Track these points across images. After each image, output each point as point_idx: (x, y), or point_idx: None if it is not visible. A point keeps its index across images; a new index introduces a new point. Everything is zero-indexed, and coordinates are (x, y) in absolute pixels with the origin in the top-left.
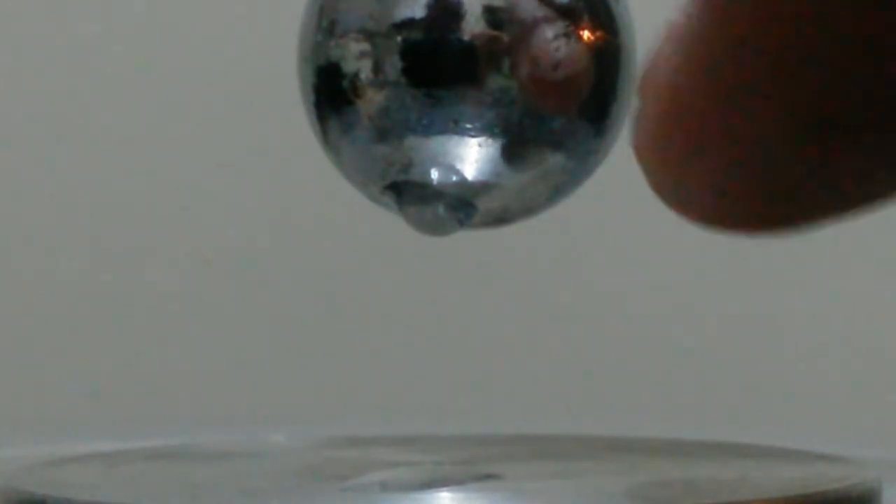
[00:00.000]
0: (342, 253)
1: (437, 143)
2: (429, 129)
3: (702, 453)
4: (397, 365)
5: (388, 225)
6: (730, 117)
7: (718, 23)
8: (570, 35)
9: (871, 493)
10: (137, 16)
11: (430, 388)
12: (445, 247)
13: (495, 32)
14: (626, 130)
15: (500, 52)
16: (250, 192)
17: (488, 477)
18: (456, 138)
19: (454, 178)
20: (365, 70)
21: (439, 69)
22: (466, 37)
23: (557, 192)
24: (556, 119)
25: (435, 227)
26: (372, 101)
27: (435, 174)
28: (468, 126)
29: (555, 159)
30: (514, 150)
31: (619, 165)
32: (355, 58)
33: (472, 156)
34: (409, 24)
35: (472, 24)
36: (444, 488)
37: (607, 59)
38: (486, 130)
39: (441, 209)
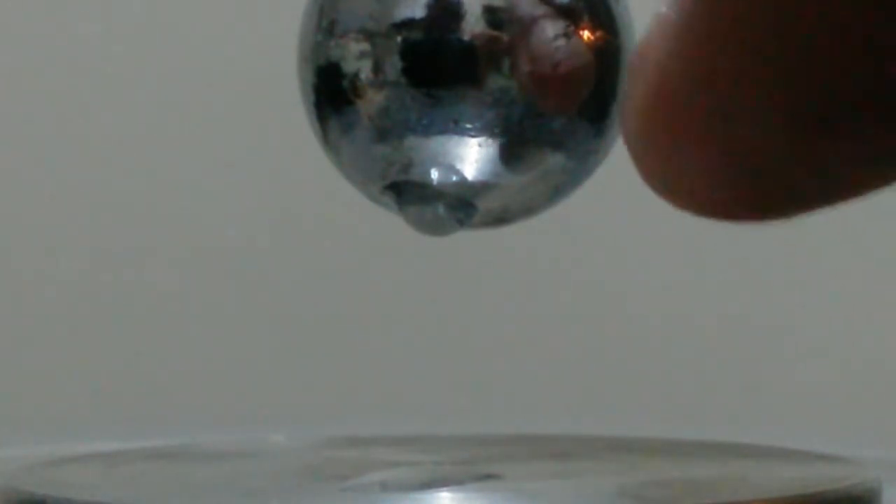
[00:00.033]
0: (342, 253)
1: (437, 143)
2: (429, 129)
3: (702, 453)
4: (397, 365)
5: (388, 225)
6: (717, 105)
7: (707, 12)
8: (571, 35)
9: (871, 493)
10: (137, 16)
11: (430, 388)
12: (445, 247)
13: (495, 32)
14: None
15: (500, 51)
16: (250, 192)
17: (488, 477)
18: (456, 138)
19: (454, 178)
20: (365, 70)
21: (439, 69)
22: (466, 37)
23: (557, 192)
24: (556, 119)
25: (435, 227)
26: (372, 101)
27: (435, 174)
28: (468, 126)
29: (555, 159)
30: (514, 150)
31: (619, 165)
32: (355, 58)
33: (472, 156)
34: (409, 24)
35: (472, 24)
36: (444, 488)
37: (607, 59)
38: (486, 130)
39: (441, 209)
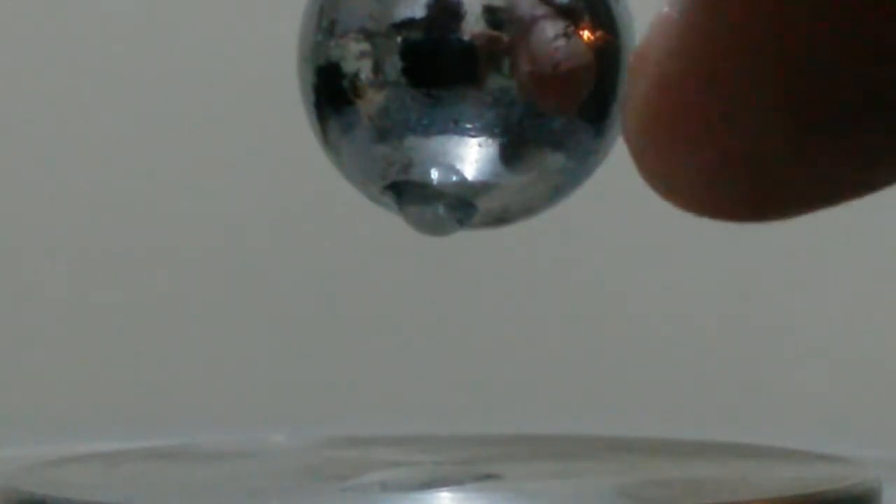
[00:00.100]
0: (342, 253)
1: (437, 143)
2: (429, 129)
3: (702, 453)
4: (397, 365)
5: (388, 225)
6: (718, 105)
7: (708, 11)
8: (571, 35)
9: (871, 493)
10: (137, 16)
11: (430, 388)
12: (445, 247)
13: (495, 32)
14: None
15: (500, 52)
16: (250, 192)
17: (488, 477)
18: (456, 138)
19: (454, 178)
20: (365, 70)
21: (439, 69)
22: (466, 37)
23: (557, 192)
24: (556, 119)
25: (435, 227)
26: (372, 101)
27: (435, 174)
28: (468, 126)
29: (555, 159)
30: (514, 150)
31: (619, 165)
32: (355, 58)
33: (472, 156)
34: (409, 24)
35: (472, 24)
36: (444, 488)
37: (607, 59)
38: (486, 130)
39: (441, 209)
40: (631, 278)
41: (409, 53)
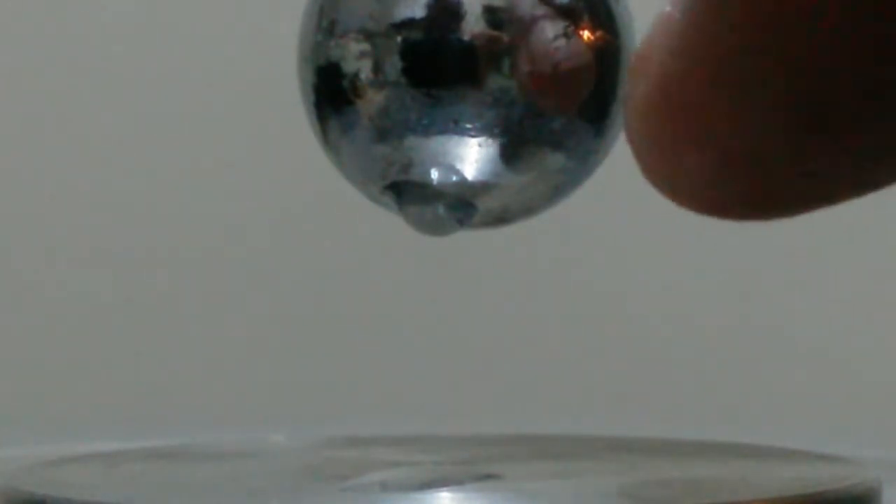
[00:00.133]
0: (342, 253)
1: (437, 143)
2: (429, 129)
3: (702, 453)
4: (397, 365)
5: (388, 225)
6: (719, 104)
7: (710, 11)
8: (571, 35)
9: (871, 493)
10: (137, 16)
11: (430, 388)
12: (445, 247)
13: (495, 32)
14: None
15: (500, 52)
16: (250, 192)
17: (488, 477)
18: (456, 138)
19: (454, 178)
20: (365, 70)
21: (439, 69)
22: (466, 37)
23: (557, 192)
24: (556, 119)
25: (435, 227)
26: (372, 101)
27: (435, 174)
28: (468, 126)
29: (555, 159)
30: (514, 150)
31: (619, 165)
32: (355, 58)
33: (472, 156)
34: (409, 24)
35: (472, 24)
36: (444, 488)
37: (607, 59)
38: (486, 130)
39: (441, 209)
40: (631, 278)
41: (409, 53)
